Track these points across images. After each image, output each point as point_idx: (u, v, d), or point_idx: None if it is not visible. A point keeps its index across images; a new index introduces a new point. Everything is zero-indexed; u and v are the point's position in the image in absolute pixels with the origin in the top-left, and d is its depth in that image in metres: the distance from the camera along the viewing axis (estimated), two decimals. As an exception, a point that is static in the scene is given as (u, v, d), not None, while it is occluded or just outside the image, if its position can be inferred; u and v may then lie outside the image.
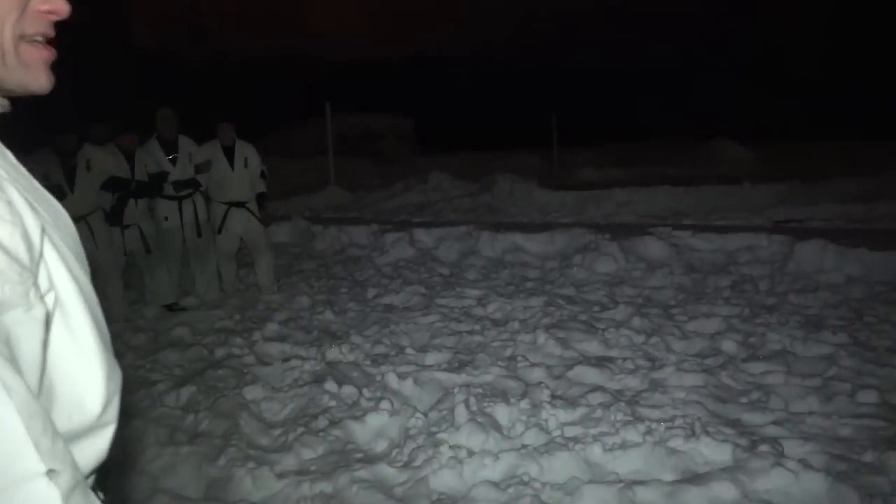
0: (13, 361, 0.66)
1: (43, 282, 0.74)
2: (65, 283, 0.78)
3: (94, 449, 0.81)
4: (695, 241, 7.56)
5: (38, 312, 0.71)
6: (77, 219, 5.50)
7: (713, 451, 3.15)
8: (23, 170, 0.85)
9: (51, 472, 0.66)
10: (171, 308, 6.18)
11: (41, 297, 0.72)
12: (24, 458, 0.64)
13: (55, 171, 5.52)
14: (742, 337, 4.82)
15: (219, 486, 3.14)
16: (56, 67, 0.86)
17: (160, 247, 6.28)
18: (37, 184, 0.86)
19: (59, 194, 5.41)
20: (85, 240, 5.09)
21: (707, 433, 3.27)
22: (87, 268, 0.87)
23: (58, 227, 0.85)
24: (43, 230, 0.76)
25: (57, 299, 0.76)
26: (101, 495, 0.82)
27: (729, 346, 4.66)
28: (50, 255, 0.78)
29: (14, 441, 0.64)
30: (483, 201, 12.22)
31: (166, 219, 6.29)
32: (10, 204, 0.72)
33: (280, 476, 3.17)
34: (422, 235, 8.64)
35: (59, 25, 0.87)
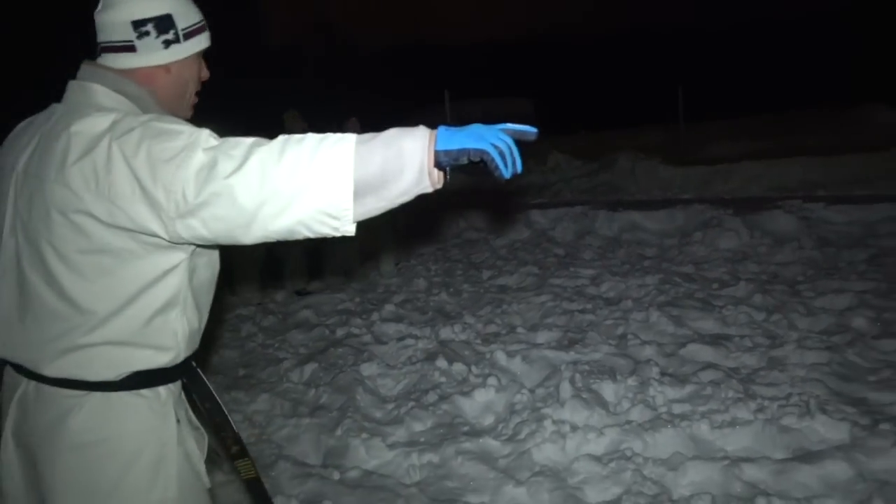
0: None
1: None
2: None
3: None
4: (828, 213, 7.09)
5: None
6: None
7: (829, 430, 3.02)
8: None
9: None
10: (300, 292, 6.57)
11: None
12: None
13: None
14: (875, 313, 4.51)
15: (336, 454, 3.36)
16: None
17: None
18: None
19: None
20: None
21: (824, 411, 3.13)
22: None
23: None
24: None
25: None
26: None
27: (860, 322, 4.38)
28: None
29: None
30: (603, 180, 11.95)
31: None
32: None
33: (391, 447, 3.35)
34: (537, 217, 8.64)
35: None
